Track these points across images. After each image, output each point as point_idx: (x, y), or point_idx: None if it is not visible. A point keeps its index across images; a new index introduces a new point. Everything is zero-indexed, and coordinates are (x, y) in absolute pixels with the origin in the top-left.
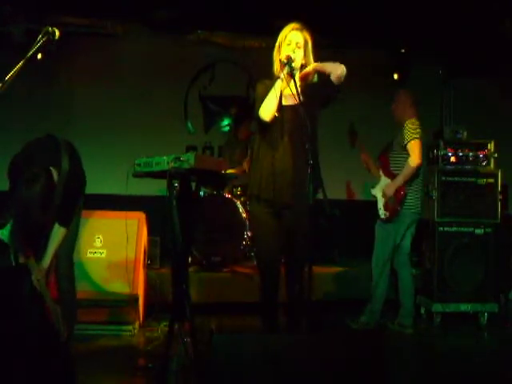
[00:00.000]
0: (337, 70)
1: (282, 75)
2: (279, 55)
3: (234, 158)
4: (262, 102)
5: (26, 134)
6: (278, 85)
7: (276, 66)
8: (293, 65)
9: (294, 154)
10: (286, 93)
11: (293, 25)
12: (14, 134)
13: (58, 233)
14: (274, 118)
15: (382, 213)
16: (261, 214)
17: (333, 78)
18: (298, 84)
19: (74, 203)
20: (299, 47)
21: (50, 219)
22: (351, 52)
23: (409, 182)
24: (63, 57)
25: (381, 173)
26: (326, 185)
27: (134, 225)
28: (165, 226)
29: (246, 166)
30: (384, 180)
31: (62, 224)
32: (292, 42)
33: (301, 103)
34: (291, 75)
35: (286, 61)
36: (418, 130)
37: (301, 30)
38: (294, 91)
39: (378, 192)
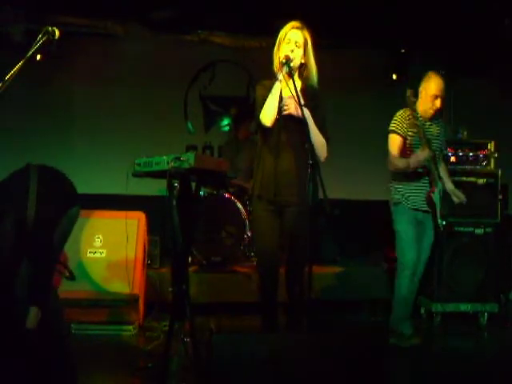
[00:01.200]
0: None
1: (280, 76)
2: (278, 53)
3: (234, 159)
4: (261, 106)
5: (26, 133)
6: (277, 88)
7: (275, 64)
8: (291, 65)
9: (295, 153)
10: (285, 93)
11: (293, 23)
12: (14, 134)
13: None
14: (275, 119)
15: (441, 223)
16: (262, 212)
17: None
18: (299, 88)
19: (48, 269)
20: (298, 46)
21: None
22: (351, 52)
23: None
24: (63, 57)
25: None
26: (325, 184)
27: (133, 225)
28: (165, 226)
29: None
30: (449, 185)
31: (33, 302)
32: (291, 41)
33: (300, 103)
34: (290, 75)
35: (284, 61)
36: None
37: (301, 28)
38: (294, 91)
39: (437, 198)
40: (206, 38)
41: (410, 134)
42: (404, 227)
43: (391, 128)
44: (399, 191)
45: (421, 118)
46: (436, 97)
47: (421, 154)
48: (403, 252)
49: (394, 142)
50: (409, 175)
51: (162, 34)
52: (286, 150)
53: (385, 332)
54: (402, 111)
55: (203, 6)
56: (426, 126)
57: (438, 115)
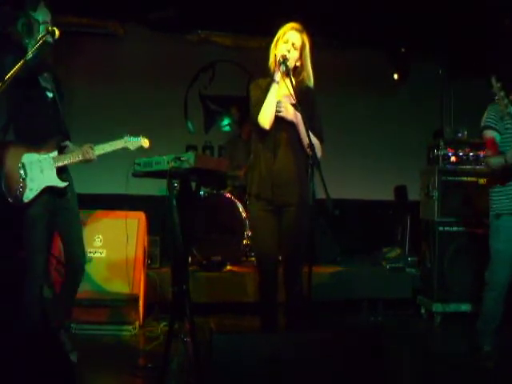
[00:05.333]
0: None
1: (277, 77)
2: (275, 50)
3: (236, 157)
4: (257, 106)
5: None
6: (274, 89)
7: (271, 61)
8: (287, 64)
9: (292, 152)
10: (281, 92)
11: (293, 24)
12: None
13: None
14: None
15: None
16: (260, 212)
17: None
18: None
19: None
20: (295, 48)
21: None
22: (351, 52)
23: None
24: (63, 57)
25: None
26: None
27: (133, 224)
28: (165, 226)
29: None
30: None
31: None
32: (289, 41)
33: (298, 101)
34: (287, 74)
35: (281, 60)
36: None
37: (300, 31)
38: (291, 90)
39: None
40: (206, 38)
41: (507, 127)
42: (502, 246)
43: (485, 123)
44: (498, 198)
45: None
46: None
47: None
48: (495, 270)
49: (489, 139)
50: (508, 172)
51: (161, 33)
52: (283, 149)
53: (384, 332)
54: (492, 105)
55: (203, 6)
56: None
57: None
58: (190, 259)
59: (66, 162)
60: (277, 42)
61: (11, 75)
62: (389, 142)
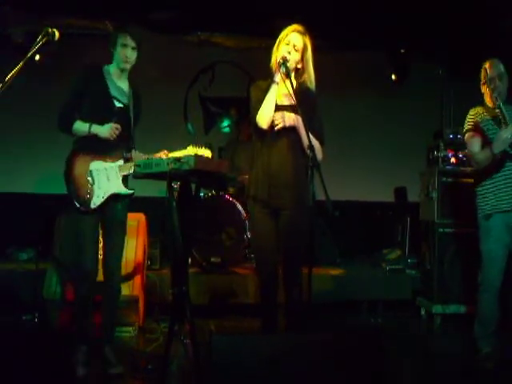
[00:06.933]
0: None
1: (277, 78)
2: (277, 52)
3: (236, 159)
4: (257, 107)
5: (25, 134)
6: (274, 90)
7: (273, 62)
8: (287, 65)
9: (290, 155)
10: (281, 93)
11: (296, 26)
12: (14, 135)
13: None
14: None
15: None
16: (258, 214)
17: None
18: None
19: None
20: (297, 50)
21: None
22: (351, 52)
23: None
24: (63, 57)
25: None
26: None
27: (133, 226)
28: (165, 227)
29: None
30: None
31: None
32: (290, 43)
33: (298, 102)
34: (287, 76)
35: (281, 61)
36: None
37: (302, 33)
38: (291, 91)
39: None
40: (206, 39)
41: (488, 128)
42: (493, 246)
43: (466, 128)
44: (485, 198)
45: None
46: (492, 80)
47: (504, 132)
48: (487, 271)
49: (473, 140)
50: (493, 170)
51: (162, 35)
52: (282, 150)
53: (384, 333)
54: (471, 109)
55: (203, 7)
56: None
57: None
58: (189, 261)
59: (131, 171)
60: (279, 43)
61: (11, 76)
62: (389, 142)
